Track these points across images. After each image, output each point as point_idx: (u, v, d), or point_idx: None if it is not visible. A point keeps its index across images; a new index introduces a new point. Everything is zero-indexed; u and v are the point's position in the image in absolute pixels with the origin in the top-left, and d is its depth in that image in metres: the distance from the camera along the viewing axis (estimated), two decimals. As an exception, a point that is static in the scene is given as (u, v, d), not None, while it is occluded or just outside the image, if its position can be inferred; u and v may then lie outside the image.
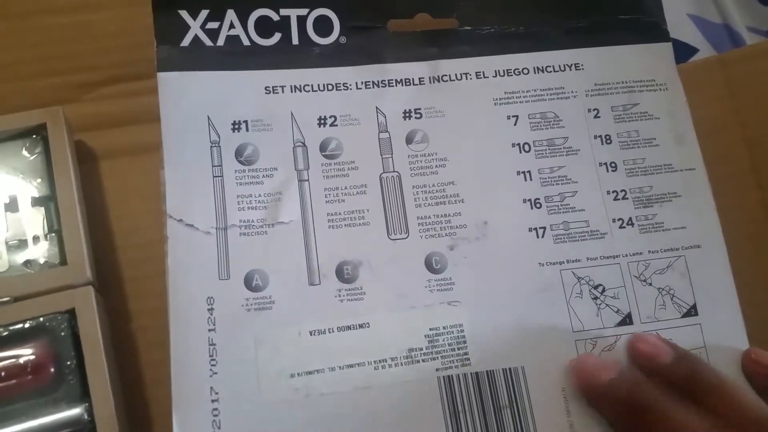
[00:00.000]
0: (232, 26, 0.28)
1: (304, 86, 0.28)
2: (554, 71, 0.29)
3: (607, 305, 0.27)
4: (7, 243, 0.27)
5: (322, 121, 0.28)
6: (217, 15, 0.28)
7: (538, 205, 0.28)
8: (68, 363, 0.25)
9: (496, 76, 0.29)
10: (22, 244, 0.27)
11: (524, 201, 0.28)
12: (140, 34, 0.29)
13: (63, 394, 0.25)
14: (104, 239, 0.29)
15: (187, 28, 0.27)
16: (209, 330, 0.25)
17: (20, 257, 0.27)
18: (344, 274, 0.26)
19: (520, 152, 0.28)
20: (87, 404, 0.25)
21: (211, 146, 0.27)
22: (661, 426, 0.23)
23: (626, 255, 0.27)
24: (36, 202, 0.27)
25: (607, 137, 0.29)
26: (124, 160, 0.30)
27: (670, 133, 0.29)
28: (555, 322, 0.26)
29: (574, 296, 0.27)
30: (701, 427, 0.22)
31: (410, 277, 0.26)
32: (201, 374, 0.24)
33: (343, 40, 0.29)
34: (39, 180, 0.28)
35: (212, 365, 0.25)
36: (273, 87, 0.28)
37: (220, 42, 0.28)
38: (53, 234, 0.27)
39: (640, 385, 0.24)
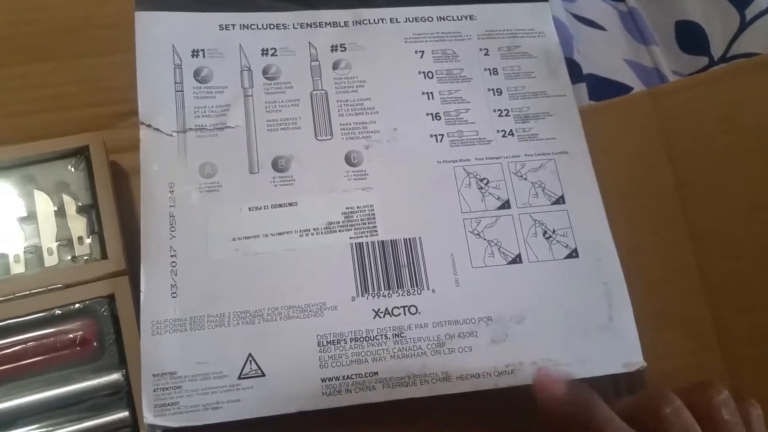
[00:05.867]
0: (194, -23, 0.35)
1: (251, 25, 0.35)
2: (453, 20, 0.37)
3: (490, 194, 0.33)
4: (57, 242, 0.32)
5: (265, 52, 0.35)
6: (183, -31, 0.35)
7: (438, 118, 0.35)
8: (108, 338, 0.30)
9: (406, 21, 0.36)
10: (69, 243, 0.32)
11: (427, 114, 0.35)
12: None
13: (105, 363, 0.30)
14: (133, 241, 0.32)
15: (159, -23, 0.35)
16: (170, 206, 0.31)
17: (68, 254, 0.32)
18: (278, 165, 0.33)
19: (425, 78, 0.35)
20: (124, 371, 0.29)
21: (175, 68, 0.34)
22: None
23: (507, 157, 0.34)
24: (80, 209, 0.32)
25: (495, 70, 0.36)
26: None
27: (546, 68, 0.36)
28: (448, 205, 0.33)
29: (464, 186, 0.33)
30: None
31: (332, 168, 0.33)
32: (163, 238, 0.30)
33: (283, -9, 0.36)
34: (83, 192, 0.33)
35: (172, 231, 0.31)
36: (226, 25, 0.35)
37: (185, -11, 0.35)
38: (94, 235, 0.32)
39: (589, 402, 0.26)
